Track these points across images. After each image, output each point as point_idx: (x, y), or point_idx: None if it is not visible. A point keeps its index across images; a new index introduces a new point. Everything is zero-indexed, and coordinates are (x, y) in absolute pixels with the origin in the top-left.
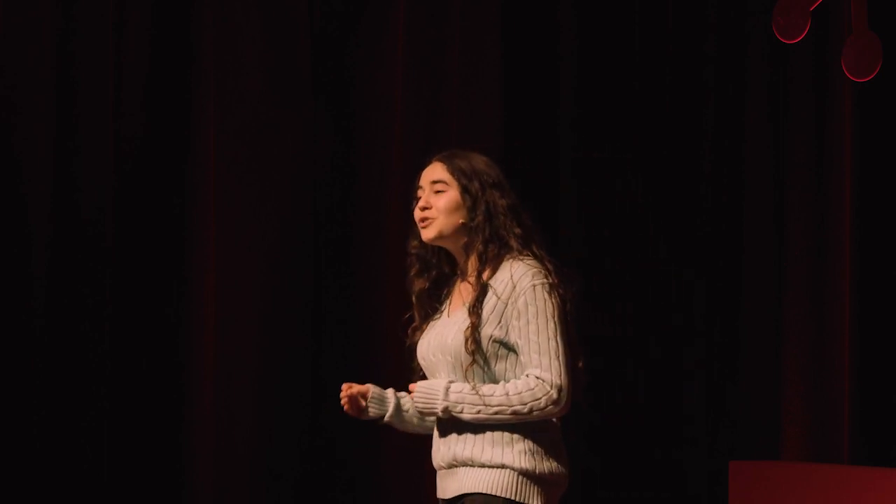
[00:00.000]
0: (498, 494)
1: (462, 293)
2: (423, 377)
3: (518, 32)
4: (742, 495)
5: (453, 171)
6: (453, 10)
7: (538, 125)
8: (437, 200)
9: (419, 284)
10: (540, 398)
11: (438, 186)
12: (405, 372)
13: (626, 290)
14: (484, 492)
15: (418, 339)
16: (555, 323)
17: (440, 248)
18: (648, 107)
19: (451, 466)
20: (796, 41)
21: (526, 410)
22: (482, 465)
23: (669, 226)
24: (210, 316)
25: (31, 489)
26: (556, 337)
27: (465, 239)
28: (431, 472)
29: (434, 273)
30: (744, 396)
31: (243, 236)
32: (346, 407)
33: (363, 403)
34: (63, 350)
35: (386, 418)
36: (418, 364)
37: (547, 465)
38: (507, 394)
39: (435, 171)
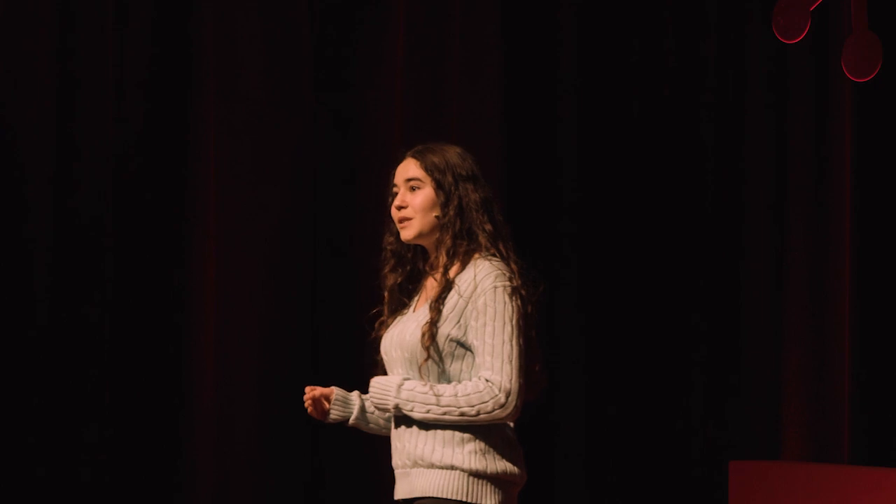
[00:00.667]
0: (448, 497)
1: (428, 289)
2: (385, 373)
3: (518, 32)
4: (742, 495)
5: (427, 167)
6: (453, 10)
7: (538, 125)
8: (414, 199)
9: (392, 279)
10: (487, 401)
11: (413, 184)
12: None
13: (626, 289)
14: (434, 495)
15: (383, 334)
16: (512, 326)
17: (416, 244)
18: (648, 107)
19: (405, 466)
20: (796, 41)
21: (473, 413)
22: (431, 466)
23: (669, 225)
24: (210, 316)
25: (31, 490)
26: (510, 340)
27: (438, 234)
28: None
29: (408, 268)
30: (744, 396)
31: (243, 236)
32: (309, 410)
33: (326, 406)
34: (63, 350)
35: (351, 420)
36: (381, 358)
37: (500, 465)
38: (456, 395)
39: (409, 169)
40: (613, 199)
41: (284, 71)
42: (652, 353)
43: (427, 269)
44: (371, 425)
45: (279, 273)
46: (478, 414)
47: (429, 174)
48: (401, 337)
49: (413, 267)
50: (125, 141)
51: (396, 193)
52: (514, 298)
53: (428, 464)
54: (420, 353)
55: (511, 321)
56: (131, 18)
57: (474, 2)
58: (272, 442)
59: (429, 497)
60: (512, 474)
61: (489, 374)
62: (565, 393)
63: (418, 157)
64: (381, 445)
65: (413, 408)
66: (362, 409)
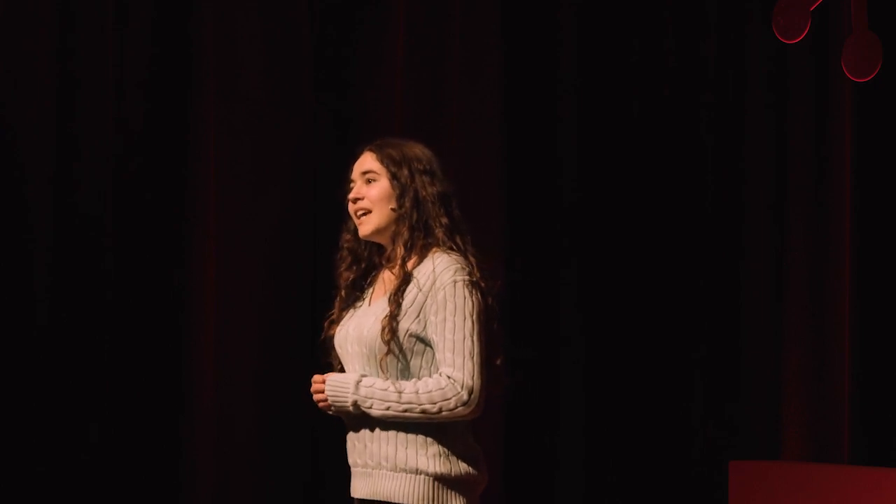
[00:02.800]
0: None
1: (385, 282)
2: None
3: (518, 32)
4: (742, 495)
5: (382, 159)
6: (453, 10)
7: (538, 125)
8: (369, 190)
9: (346, 277)
10: (450, 398)
11: (369, 176)
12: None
13: (626, 289)
14: (401, 502)
15: (334, 332)
16: (472, 321)
17: (372, 242)
18: (648, 107)
19: (366, 466)
20: (796, 41)
21: (435, 410)
22: (395, 469)
23: (669, 225)
24: (210, 316)
25: (31, 489)
26: (472, 336)
27: (395, 227)
28: None
29: (363, 265)
30: (744, 396)
31: (243, 236)
32: (321, 402)
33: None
34: (62, 349)
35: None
36: (336, 357)
37: (463, 468)
38: (417, 391)
39: (365, 162)
40: (613, 199)
41: (284, 71)
42: (652, 353)
43: (383, 262)
44: None
45: (279, 273)
46: (440, 411)
47: (384, 167)
48: (358, 332)
49: (368, 263)
50: (125, 141)
51: (353, 188)
52: (474, 292)
53: (392, 466)
54: (380, 348)
55: (472, 316)
56: (131, 18)
57: (474, 2)
58: (272, 442)
59: (395, 503)
60: (475, 476)
61: (451, 371)
62: (565, 393)
63: (375, 150)
64: None
65: (372, 405)
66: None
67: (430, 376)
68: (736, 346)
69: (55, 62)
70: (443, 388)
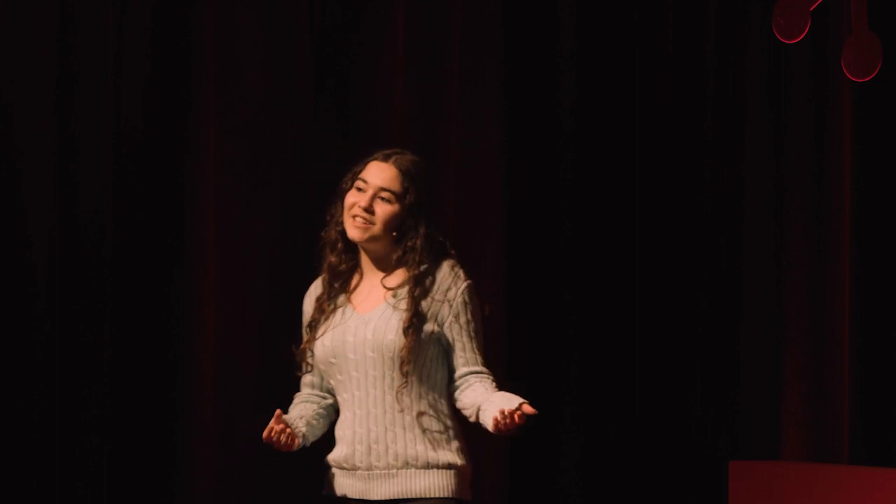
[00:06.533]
0: (447, 496)
1: (371, 291)
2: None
3: (518, 32)
4: (742, 495)
5: (405, 185)
6: (453, 10)
7: (538, 125)
8: (381, 209)
9: (333, 262)
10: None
11: (385, 195)
12: None
13: (625, 289)
14: (437, 496)
15: (316, 340)
16: (481, 322)
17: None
18: (648, 107)
19: (390, 467)
20: (796, 41)
21: None
22: (427, 466)
23: (669, 225)
24: (210, 316)
25: (31, 490)
26: (482, 334)
27: (388, 248)
28: None
29: (349, 261)
30: (744, 396)
31: (243, 236)
32: (279, 442)
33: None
34: (62, 350)
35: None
36: (308, 368)
37: (469, 459)
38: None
39: (385, 176)
40: (613, 198)
41: (284, 71)
42: (651, 352)
43: (357, 270)
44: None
45: (279, 273)
46: None
47: (404, 194)
48: (376, 337)
49: (353, 263)
50: (125, 141)
51: (361, 190)
52: (476, 295)
53: (423, 464)
54: (407, 352)
55: (481, 317)
56: (131, 18)
57: (474, 2)
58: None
59: (432, 497)
60: (471, 467)
61: (479, 368)
62: (565, 392)
63: (399, 168)
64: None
65: None
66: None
67: (435, 375)
68: (736, 346)
69: (55, 62)
70: (494, 383)
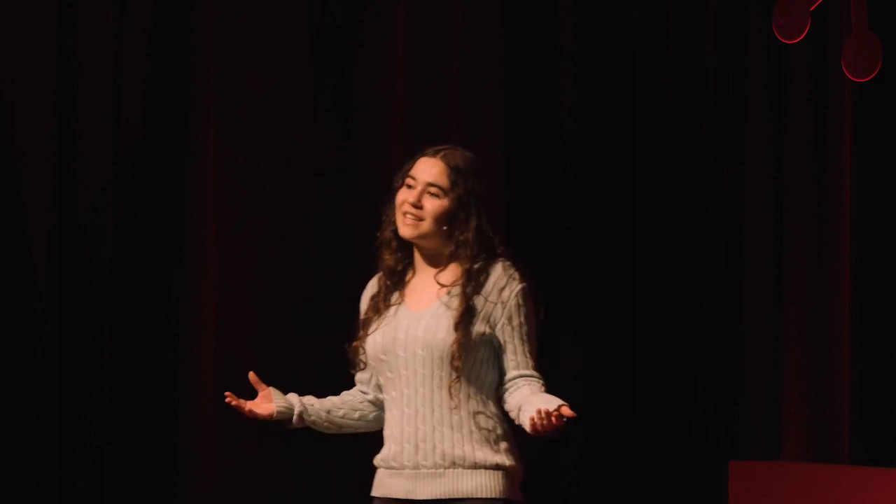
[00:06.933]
0: (496, 497)
1: (425, 289)
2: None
3: (518, 32)
4: (742, 495)
5: (453, 179)
6: (453, 10)
7: (538, 125)
8: (430, 204)
9: (389, 263)
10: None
11: (434, 190)
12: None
13: (625, 289)
14: (485, 496)
15: (367, 337)
16: (535, 326)
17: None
18: (648, 107)
19: (437, 466)
20: (796, 41)
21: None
22: (475, 466)
23: (669, 225)
24: (210, 316)
25: (31, 491)
26: (536, 339)
27: (441, 243)
28: None
29: (405, 260)
30: (744, 396)
31: (243, 236)
32: (244, 408)
33: (263, 404)
34: (62, 350)
35: (296, 410)
36: (362, 362)
37: (519, 460)
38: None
39: (433, 171)
40: (613, 199)
41: (284, 71)
42: (651, 352)
43: (411, 268)
44: (313, 417)
45: (279, 273)
46: None
47: (453, 188)
48: (426, 335)
49: (407, 262)
50: (125, 141)
51: (411, 187)
52: (531, 299)
53: (471, 464)
54: (454, 354)
55: (536, 321)
56: (131, 18)
57: (474, 2)
58: (272, 442)
59: (479, 497)
60: (522, 468)
61: (529, 371)
62: (564, 393)
63: (447, 163)
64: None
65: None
66: (301, 402)
67: (485, 377)
68: (736, 346)
69: (55, 62)
70: (545, 387)
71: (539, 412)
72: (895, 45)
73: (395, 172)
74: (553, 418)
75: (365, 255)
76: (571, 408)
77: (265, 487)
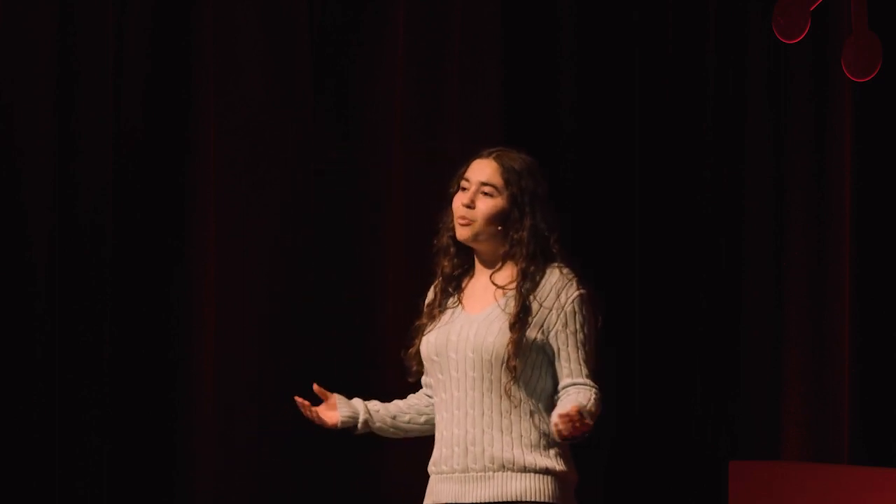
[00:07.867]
0: (544, 500)
1: (483, 291)
2: (417, 380)
3: (518, 32)
4: (742, 495)
5: (506, 178)
6: (453, 10)
7: (538, 125)
8: (483, 203)
9: (447, 267)
10: (598, 401)
11: (487, 189)
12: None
13: (624, 289)
14: (533, 499)
15: (422, 338)
16: (593, 334)
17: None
18: (648, 108)
19: (486, 469)
20: (796, 41)
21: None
22: (524, 469)
23: (669, 225)
24: (210, 316)
25: (31, 491)
26: (593, 347)
27: (497, 244)
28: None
29: (463, 264)
30: (744, 396)
31: (243, 236)
32: (314, 417)
33: (329, 413)
34: (62, 350)
35: (360, 418)
36: (419, 364)
37: (572, 466)
38: (590, 399)
39: (486, 171)
40: (613, 199)
41: (284, 71)
42: (651, 352)
43: (480, 269)
44: (378, 424)
45: (279, 273)
46: (592, 419)
47: (506, 186)
48: (477, 339)
49: (465, 266)
50: (125, 140)
51: (465, 189)
52: (589, 306)
53: (520, 467)
54: (505, 358)
55: (593, 329)
56: (131, 18)
57: (474, 2)
58: (272, 442)
59: (528, 501)
60: (576, 474)
61: (584, 380)
62: None
63: (500, 163)
64: (383, 446)
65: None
66: (367, 409)
67: (536, 383)
68: (736, 346)
69: (55, 62)
70: (596, 398)
71: (560, 416)
72: (895, 45)
73: (394, 174)
74: (576, 422)
75: (365, 255)
76: (581, 411)
77: (265, 487)
